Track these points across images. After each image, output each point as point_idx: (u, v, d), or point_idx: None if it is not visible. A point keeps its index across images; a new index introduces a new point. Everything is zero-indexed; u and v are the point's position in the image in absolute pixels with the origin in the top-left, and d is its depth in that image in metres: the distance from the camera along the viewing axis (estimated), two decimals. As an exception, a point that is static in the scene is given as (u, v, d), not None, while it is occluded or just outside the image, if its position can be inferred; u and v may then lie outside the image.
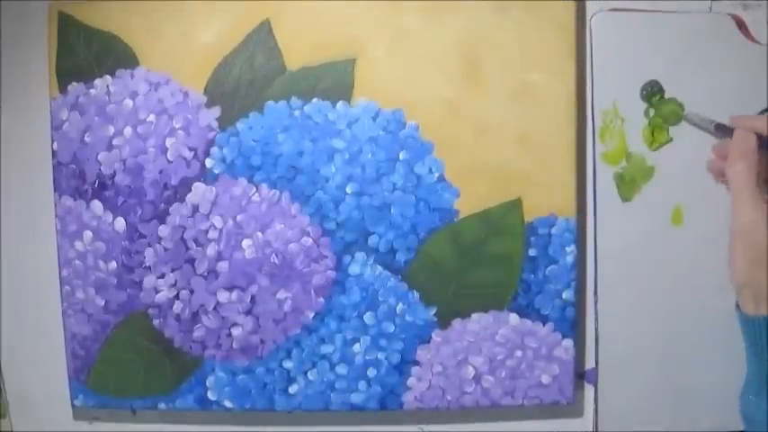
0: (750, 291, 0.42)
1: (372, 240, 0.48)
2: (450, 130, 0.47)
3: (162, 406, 0.49)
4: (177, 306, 0.49)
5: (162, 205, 0.48)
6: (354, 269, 0.48)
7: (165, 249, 0.48)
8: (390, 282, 0.48)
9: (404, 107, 0.47)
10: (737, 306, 0.43)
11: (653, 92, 0.48)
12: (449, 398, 0.48)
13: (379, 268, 0.48)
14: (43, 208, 0.50)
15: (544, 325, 0.48)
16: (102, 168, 0.48)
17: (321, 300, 0.48)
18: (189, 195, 0.48)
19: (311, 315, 0.48)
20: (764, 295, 0.41)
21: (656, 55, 0.48)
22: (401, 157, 0.48)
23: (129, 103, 0.48)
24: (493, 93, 0.47)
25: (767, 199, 0.42)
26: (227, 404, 0.49)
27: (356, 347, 0.48)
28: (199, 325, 0.49)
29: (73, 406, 0.50)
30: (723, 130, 0.46)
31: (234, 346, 0.49)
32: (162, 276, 0.48)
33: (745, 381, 0.43)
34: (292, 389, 0.49)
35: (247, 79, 0.48)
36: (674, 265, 0.49)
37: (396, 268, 0.48)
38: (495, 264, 0.48)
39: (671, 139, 0.49)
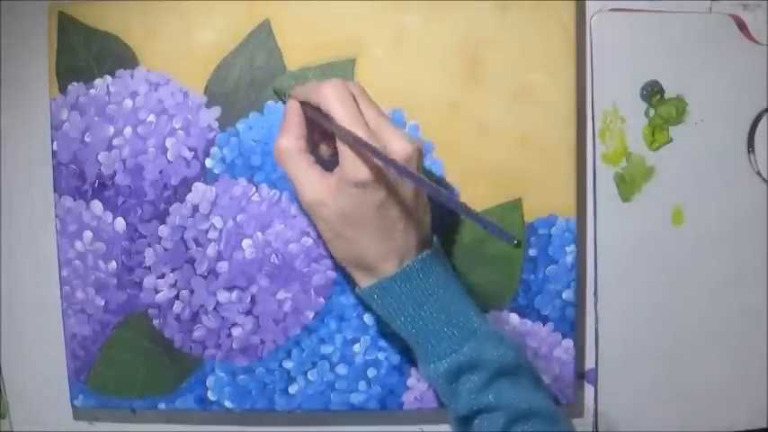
0: (352, 264, 0.40)
1: (372, 240, 0.48)
2: (451, 131, 0.47)
3: (162, 406, 0.49)
4: (177, 306, 0.49)
5: (162, 205, 0.48)
6: (354, 269, 0.48)
7: (165, 249, 0.48)
8: (390, 282, 0.48)
9: (404, 107, 0.47)
10: (355, 288, 0.42)
11: (653, 92, 0.48)
12: (449, 398, 0.48)
13: (379, 268, 0.48)
14: (43, 208, 0.50)
15: (544, 325, 0.48)
16: (102, 168, 0.48)
17: (321, 300, 0.48)
18: (189, 195, 0.48)
19: (311, 315, 0.48)
20: (366, 264, 0.39)
21: (656, 55, 0.48)
22: (401, 157, 0.48)
23: (129, 103, 0.48)
24: (493, 93, 0.47)
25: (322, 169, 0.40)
26: (227, 404, 0.49)
27: (356, 347, 0.48)
28: (199, 325, 0.49)
29: (73, 406, 0.50)
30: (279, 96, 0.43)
31: (234, 346, 0.49)
32: (162, 276, 0.48)
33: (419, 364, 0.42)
34: (292, 389, 0.49)
35: (247, 79, 0.48)
36: (674, 265, 0.49)
37: (396, 268, 0.48)
38: (495, 264, 0.48)
39: (671, 139, 0.49)
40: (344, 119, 0.38)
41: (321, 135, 0.43)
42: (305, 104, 0.41)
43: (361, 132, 0.37)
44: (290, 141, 0.40)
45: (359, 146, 0.37)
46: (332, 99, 0.38)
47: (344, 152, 0.38)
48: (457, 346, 0.39)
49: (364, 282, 0.40)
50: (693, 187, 0.49)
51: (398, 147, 0.38)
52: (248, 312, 0.48)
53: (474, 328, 0.40)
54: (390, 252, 0.39)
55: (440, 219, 0.48)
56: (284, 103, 0.43)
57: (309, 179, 0.39)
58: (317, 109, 0.39)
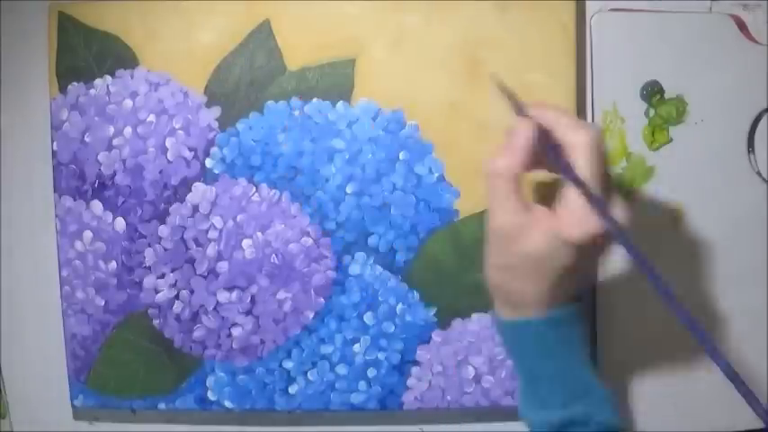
0: (501, 295, 0.39)
1: (372, 240, 0.48)
2: (451, 130, 0.47)
3: (162, 406, 0.49)
4: (177, 306, 0.49)
5: (162, 205, 0.48)
6: (354, 269, 0.48)
7: (165, 249, 0.48)
8: (390, 282, 0.48)
9: (404, 107, 0.47)
10: (494, 311, 0.40)
11: (653, 92, 0.48)
12: (449, 398, 0.48)
13: (379, 268, 0.48)
14: (43, 208, 0.50)
15: (544, 325, 0.48)
16: (102, 168, 0.48)
17: (321, 300, 0.48)
18: (189, 195, 0.48)
19: (311, 315, 0.48)
20: (514, 301, 0.38)
21: (656, 55, 0.48)
22: (401, 157, 0.48)
23: (129, 103, 0.48)
24: (493, 93, 0.47)
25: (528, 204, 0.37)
26: (227, 404, 0.49)
27: (356, 347, 0.48)
28: (199, 325, 0.49)
29: (73, 406, 0.50)
30: (519, 112, 0.39)
31: (234, 346, 0.49)
32: (162, 276, 0.48)
33: (519, 393, 0.40)
34: (292, 389, 0.49)
35: (247, 79, 0.48)
36: (674, 265, 0.49)
37: (396, 268, 0.48)
38: (495, 264, 0.48)
39: (671, 140, 0.49)
40: (592, 180, 0.35)
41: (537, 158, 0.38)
42: (542, 132, 0.37)
43: (599, 194, 0.35)
44: (510, 166, 0.36)
45: (595, 207, 0.34)
46: (587, 153, 0.35)
47: (571, 203, 0.35)
48: (573, 400, 0.38)
49: (506, 313, 0.39)
50: (693, 187, 0.49)
51: (622, 218, 0.36)
52: (248, 312, 0.48)
53: (592, 387, 0.39)
54: (545, 297, 0.37)
55: (440, 219, 0.48)
56: (506, 96, 0.40)
57: (509, 208, 0.36)
58: (557, 145, 0.36)
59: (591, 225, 0.34)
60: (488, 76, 0.42)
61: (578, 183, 0.35)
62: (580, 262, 0.36)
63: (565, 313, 0.38)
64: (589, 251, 0.36)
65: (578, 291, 0.39)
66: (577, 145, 0.35)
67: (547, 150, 0.36)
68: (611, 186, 0.36)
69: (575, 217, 0.35)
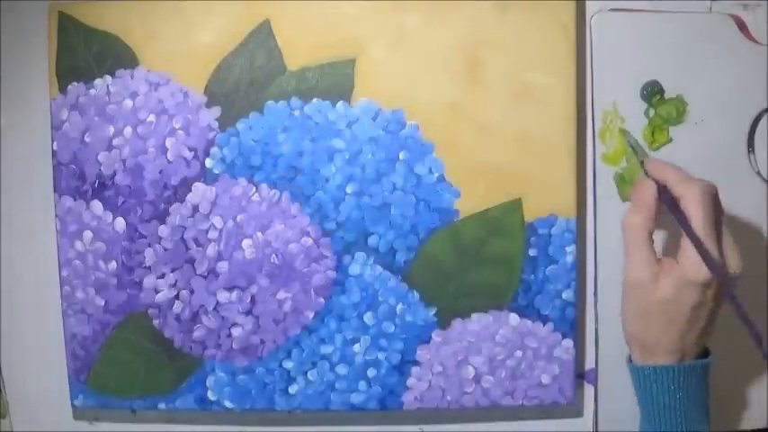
0: (637, 343, 0.43)
1: (372, 240, 0.48)
2: (451, 131, 0.47)
3: (162, 406, 0.49)
4: (177, 306, 0.49)
5: (162, 205, 0.48)
6: (354, 269, 0.48)
7: (165, 249, 0.48)
8: (390, 282, 0.48)
9: (404, 107, 0.47)
10: (629, 358, 0.44)
11: (653, 92, 0.48)
12: (449, 398, 0.48)
13: (379, 268, 0.48)
14: (43, 208, 0.50)
15: (544, 325, 0.48)
16: (102, 168, 0.48)
17: (321, 300, 0.48)
18: (189, 195, 0.48)
19: (311, 315, 0.48)
20: (649, 348, 0.42)
21: (656, 55, 0.48)
22: (401, 157, 0.48)
23: (129, 103, 0.48)
24: (493, 93, 0.47)
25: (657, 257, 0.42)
26: (227, 404, 0.49)
27: (356, 347, 0.48)
28: (199, 325, 0.49)
29: (73, 406, 0.50)
30: (643, 167, 0.44)
31: (234, 346, 0.49)
32: (162, 276, 0.48)
33: None
34: (292, 389, 0.49)
35: (247, 79, 0.48)
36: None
37: (396, 268, 0.48)
38: (495, 264, 0.48)
39: (671, 140, 0.49)
40: (701, 230, 0.39)
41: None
42: (661, 188, 0.42)
43: (709, 243, 0.39)
44: (644, 221, 0.41)
45: (704, 256, 0.39)
46: (697, 206, 0.40)
47: (689, 250, 0.40)
48: None
49: (639, 358, 0.43)
50: (693, 187, 0.49)
51: (733, 263, 0.41)
52: (248, 312, 0.48)
53: None
54: (678, 346, 0.41)
55: (440, 219, 0.48)
56: (635, 153, 0.46)
57: (643, 259, 0.41)
58: (673, 198, 0.41)
59: (704, 263, 0.39)
60: (620, 132, 0.48)
61: (690, 233, 0.40)
62: (703, 305, 0.41)
63: (700, 366, 0.42)
64: (711, 293, 0.40)
65: (705, 342, 0.43)
66: (689, 198, 0.40)
67: (665, 203, 0.41)
68: (721, 231, 0.41)
69: (695, 261, 0.39)
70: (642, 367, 0.42)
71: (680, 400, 0.42)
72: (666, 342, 0.41)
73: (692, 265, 0.40)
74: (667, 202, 0.41)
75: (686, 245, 0.40)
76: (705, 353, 0.43)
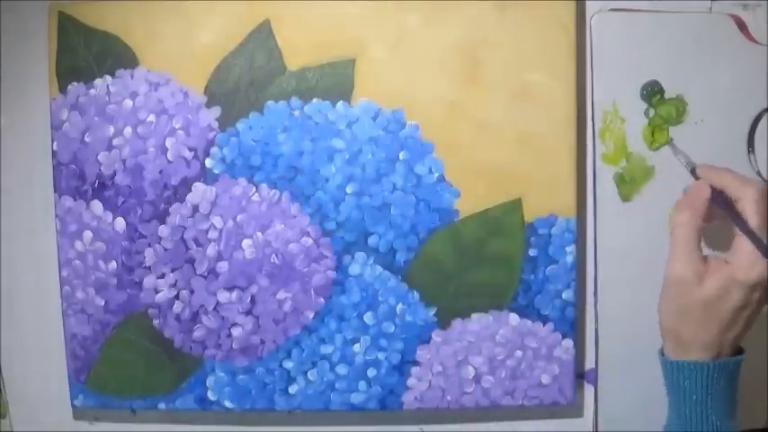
0: (672, 337, 0.43)
1: (372, 240, 0.48)
2: (451, 130, 0.47)
3: (162, 406, 0.49)
4: (177, 306, 0.49)
5: (162, 205, 0.48)
6: (354, 269, 0.48)
7: (165, 249, 0.48)
8: (390, 282, 0.48)
9: (404, 107, 0.47)
10: (661, 351, 0.44)
11: (653, 92, 0.48)
12: (449, 398, 0.48)
13: (379, 268, 0.48)
14: (43, 208, 0.50)
15: (544, 325, 0.48)
16: (102, 168, 0.48)
17: (321, 300, 0.48)
18: (189, 195, 0.48)
19: (311, 315, 0.48)
20: (684, 343, 0.42)
21: (656, 55, 0.48)
22: (401, 157, 0.48)
23: (129, 103, 0.48)
24: (493, 93, 0.47)
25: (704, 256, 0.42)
26: (227, 404, 0.49)
27: (356, 347, 0.48)
28: (199, 325, 0.49)
29: (73, 406, 0.50)
30: (694, 173, 0.45)
31: (234, 346, 0.49)
32: (162, 276, 0.48)
33: (665, 426, 0.44)
34: (292, 389, 0.49)
35: (247, 79, 0.48)
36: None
37: (396, 268, 0.48)
38: (495, 264, 0.48)
39: (671, 140, 0.49)
40: (760, 229, 0.40)
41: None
42: (715, 190, 0.42)
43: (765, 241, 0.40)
44: (692, 219, 0.42)
45: (765, 254, 0.40)
46: (755, 206, 0.41)
47: (742, 250, 0.40)
48: None
49: (672, 353, 0.43)
50: (693, 187, 0.49)
51: None
52: (248, 312, 0.48)
53: None
54: (714, 343, 0.41)
55: (440, 219, 0.48)
56: (682, 162, 0.46)
57: (688, 257, 0.41)
58: (728, 200, 0.42)
59: (763, 267, 0.40)
60: (669, 147, 0.48)
61: (749, 232, 0.40)
62: (747, 307, 0.41)
63: (734, 363, 0.42)
64: (757, 296, 0.41)
65: (740, 340, 0.43)
66: (746, 199, 0.41)
67: (720, 205, 0.42)
68: None
69: (748, 261, 0.40)
70: (676, 362, 0.42)
71: (711, 396, 0.42)
72: (703, 339, 0.41)
73: (744, 265, 0.40)
74: (722, 204, 0.42)
75: (740, 245, 0.40)
76: (738, 350, 0.43)
